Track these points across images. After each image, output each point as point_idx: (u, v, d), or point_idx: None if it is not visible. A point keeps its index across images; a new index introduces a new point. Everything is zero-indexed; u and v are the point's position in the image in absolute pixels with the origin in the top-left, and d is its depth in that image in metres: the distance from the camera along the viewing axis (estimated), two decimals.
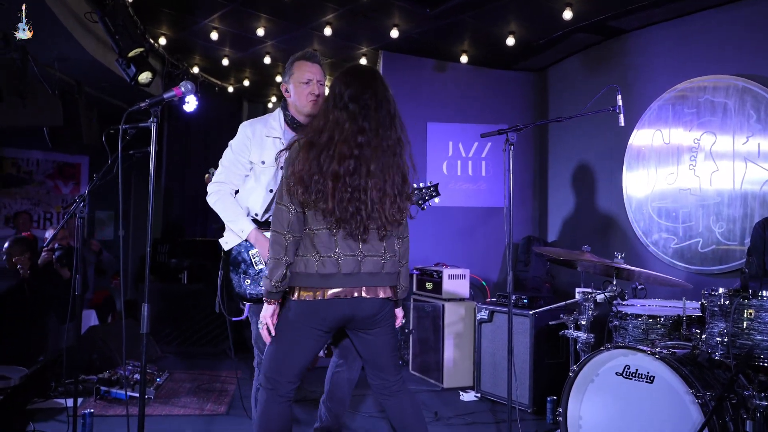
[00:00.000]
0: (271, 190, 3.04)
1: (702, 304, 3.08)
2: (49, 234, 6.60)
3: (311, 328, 2.59)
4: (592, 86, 5.65)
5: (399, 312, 2.84)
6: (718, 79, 4.63)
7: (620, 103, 3.54)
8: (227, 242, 3.08)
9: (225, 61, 6.79)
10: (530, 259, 5.94)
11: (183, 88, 2.82)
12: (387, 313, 2.69)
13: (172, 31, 6.07)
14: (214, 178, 3.14)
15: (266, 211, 3.06)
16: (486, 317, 4.95)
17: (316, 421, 3.23)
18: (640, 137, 5.20)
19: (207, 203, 3.14)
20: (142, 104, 2.81)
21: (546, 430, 4.11)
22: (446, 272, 5.41)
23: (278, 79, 7.17)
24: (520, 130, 3.60)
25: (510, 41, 5.62)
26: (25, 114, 4.72)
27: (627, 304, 3.75)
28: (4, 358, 4.78)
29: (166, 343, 6.56)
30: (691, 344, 3.16)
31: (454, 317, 5.34)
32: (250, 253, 3.05)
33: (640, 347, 3.08)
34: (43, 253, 5.74)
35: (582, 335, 3.70)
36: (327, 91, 2.91)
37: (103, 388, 4.71)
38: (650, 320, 3.50)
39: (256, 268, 3.04)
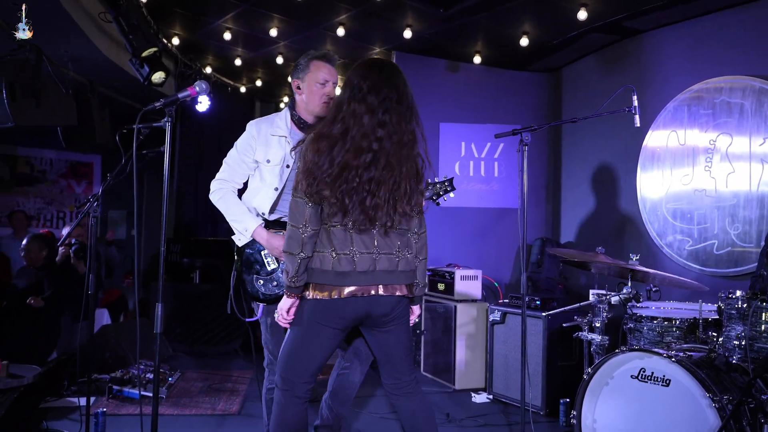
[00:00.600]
0: (276, 189, 3.01)
1: (719, 307, 3.04)
2: (64, 231, 6.65)
3: (327, 327, 2.57)
4: (606, 87, 5.61)
5: (416, 309, 2.81)
6: (734, 80, 4.58)
7: (636, 103, 3.50)
8: (240, 239, 3.08)
9: (237, 62, 6.80)
10: (543, 261, 5.90)
11: (197, 88, 2.82)
12: (402, 311, 2.67)
13: (186, 31, 6.09)
14: (217, 176, 3.12)
15: (272, 210, 3.04)
16: (498, 318, 4.92)
17: (316, 419, 3.21)
18: (656, 138, 5.16)
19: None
20: (157, 104, 2.81)
21: None
22: (458, 273, 5.39)
23: (293, 81, 7.17)
24: (534, 130, 3.57)
25: (524, 42, 5.59)
26: (38, 113, 4.74)
27: (642, 307, 3.71)
28: (20, 356, 4.80)
29: (178, 343, 6.58)
30: (707, 347, 3.12)
31: (466, 318, 5.32)
32: (262, 253, 3.04)
33: (656, 350, 3.05)
34: (60, 249, 5.78)
35: (596, 337, 3.67)
36: (340, 88, 2.88)
37: (115, 387, 4.73)
38: (666, 323, 3.47)
39: (268, 268, 3.03)
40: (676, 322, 3.45)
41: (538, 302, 4.77)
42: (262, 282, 3.03)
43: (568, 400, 4.25)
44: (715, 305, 3.18)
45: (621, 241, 5.50)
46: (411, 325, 2.79)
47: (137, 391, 4.65)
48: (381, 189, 2.48)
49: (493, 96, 6.47)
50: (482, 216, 6.37)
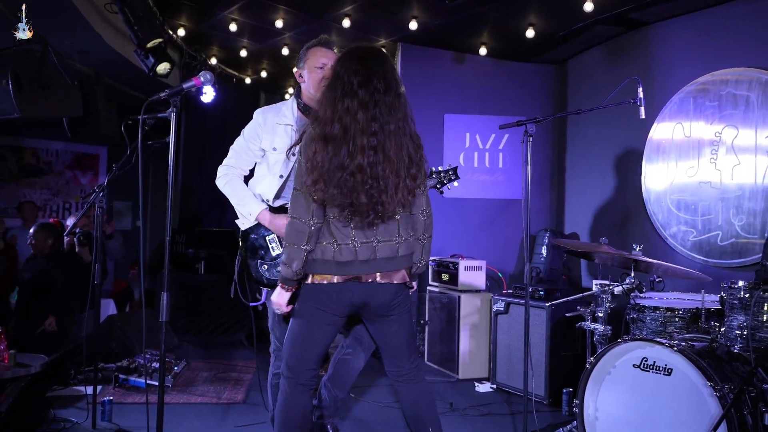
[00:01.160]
0: (281, 176, 3.04)
1: (721, 297, 3.05)
2: (70, 222, 6.69)
3: (325, 313, 2.59)
4: (612, 78, 5.60)
5: (413, 284, 2.85)
6: (740, 72, 4.57)
7: (641, 95, 3.51)
8: (243, 224, 3.10)
9: (243, 53, 6.81)
10: (547, 251, 5.91)
11: (202, 78, 2.84)
12: (402, 300, 2.68)
13: (191, 22, 6.10)
14: (224, 162, 3.16)
15: (277, 197, 3.07)
16: (502, 309, 4.94)
17: (314, 399, 3.24)
18: (661, 130, 5.15)
19: (224, 194, 3.16)
20: (162, 94, 2.84)
21: (561, 421, 4.10)
22: (462, 263, 5.41)
23: (296, 70, 7.17)
24: (539, 121, 3.58)
25: (530, 33, 5.59)
26: (44, 105, 4.77)
27: (645, 297, 3.72)
28: (29, 345, 4.85)
29: (183, 332, 6.62)
30: (709, 337, 3.13)
31: (469, 308, 5.34)
32: (266, 239, 3.08)
33: (658, 339, 3.06)
34: (66, 239, 5.83)
35: (599, 327, 3.69)
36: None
37: (121, 376, 4.77)
38: (668, 313, 3.48)
39: (272, 253, 3.06)
40: (678, 312, 3.46)
41: (541, 292, 4.79)
42: (266, 267, 3.06)
43: (570, 389, 4.27)
44: (718, 296, 3.19)
45: (625, 232, 5.51)
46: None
47: (143, 380, 4.69)
48: (383, 181, 2.49)
49: (498, 87, 6.46)
50: (487, 207, 6.37)
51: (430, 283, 5.75)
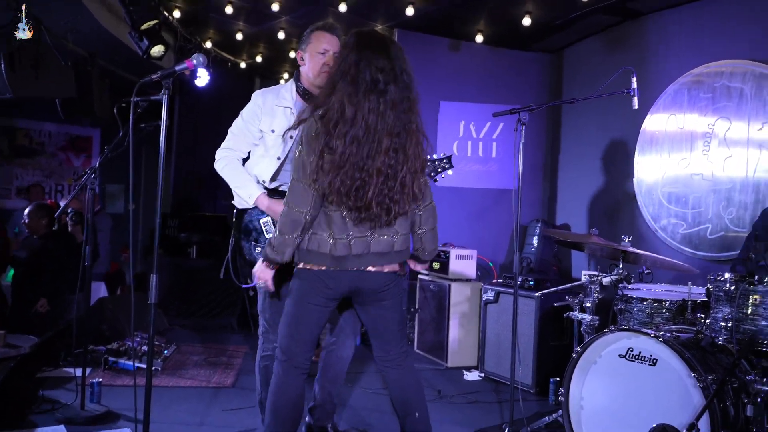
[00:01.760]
0: (279, 158, 3.04)
1: (707, 289, 3.07)
2: (62, 203, 6.67)
3: (318, 296, 2.61)
4: (607, 68, 5.57)
5: (420, 266, 2.93)
6: (735, 64, 4.57)
7: (635, 86, 3.50)
8: (241, 204, 3.11)
9: (238, 36, 6.76)
10: (538, 242, 5.93)
11: (195, 61, 2.82)
12: (393, 287, 2.69)
13: (187, 4, 6.05)
14: (222, 145, 3.16)
15: (273, 179, 3.07)
16: (492, 298, 4.96)
17: (310, 401, 3.26)
18: (654, 121, 5.16)
19: (217, 179, 3.16)
20: (154, 76, 2.82)
21: (548, 410, 4.13)
22: (453, 252, 5.42)
23: (292, 55, 7.13)
24: (533, 110, 3.58)
25: (526, 21, 5.57)
26: (37, 85, 4.74)
27: (632, 288, 3.74)
28: (24, 325, 4.85)
29: (174, 316, 6.63)
30: (695, 329, 3.15)
31: (460, 297, 5.36)
32: (261, 221, 3.08)
33: (644, 330, 3.08)
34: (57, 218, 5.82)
35: (587, 317, 3.71)
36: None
37: (111, 358, 4.78)
38: (655, 304, 3.50)
39: (267, 236, 3.07)
40: (665, 304, 3.48)
41: (531, 282, 4.80)
42: (260, 250, 3.07)
43: (558, 379, 4.30)
44: (705, 288, 3.20)
45: (616, 224, 5.52)
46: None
47: (132, 363, 4.70)
48: (399, 183, 2.50)
49: (494, 75, 6.45)
50: (479, 196, 6.38)
51: (421, 271, 5.76)
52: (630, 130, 5.37)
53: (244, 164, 3.18)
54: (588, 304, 3.74)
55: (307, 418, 3.25)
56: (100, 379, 4.09)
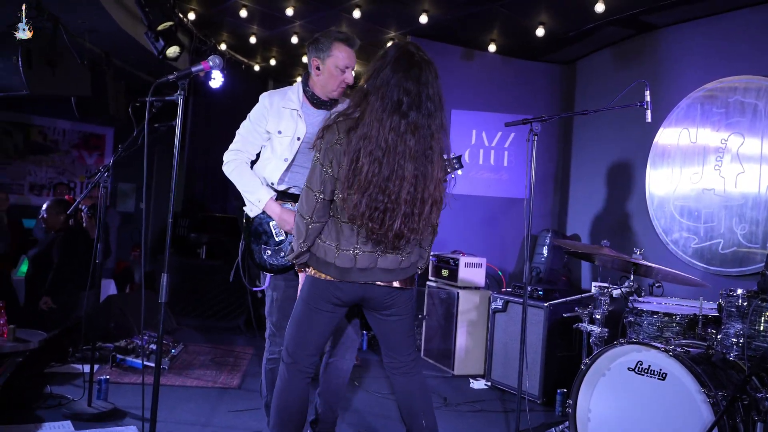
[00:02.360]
0: (286, 160, 3.04)
1: (719, 304, 3.06)
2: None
3: (326, 302, 2.63)
4: (620, 81, 5.59)
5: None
6: (749, 80, 4.56)
7: (648, 99, 3.50)
8: (251, 210, 3.11)
9: (252, 39, 6.80)
10: (548, 252, 5.92)
11: (211, 62, 2.83)
12: (402, 297, 2.68)
13: (202, 7, 6.10)
14: (230, 147, 3.16)
15: (281, 181, 3.08)
16: (500, 307, 4.95)
17: (310, 414, 3.25)
18: (667, 135, 5.15)
19: (228, 180, 3.17)
20: (170, 77, 2.83)
21: (554, 421, 4.12)
22: (463, 260, 5.42)
23: (305, 59, 7.16)
24: (545, 120, 3.58)
25: (540, 32, 5.58)
26: (53, 82, 4.77)
27: (643, 301, 3.73)
28: (37, 320, 4.88)
29: (182, 316, 6.65)
30: (705, 344, 3.14)
31: (468, 305, 5.35)
32: (270, 224, 3.09)
33: (654, 344, 3.06)
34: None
35: (596, 329, 3.70)
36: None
37: (119, 356, 4.80)
38: (666, 318, 3.49)
39: (276, 239, 3.07)
40: (676, 318, 3.47)
41: (540, 292, 4.80)
42: (270, 252, 3.07)
43: (565, 390, 4.29)
44: (716, 303, 3.19)
45: (627, 236, 5.51)
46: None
47: (140, 361, 4.72)
48: (418, 210, 2.51)
49: (506, 85, 6.45)
50: (490, 205, 6.38)
51: (430, 278, 5.76)
52: (642, 143, 5.36)
53: (252, 167, 3.19)
54: (597, 316, 3.73)
55: None
56: (108, 377, 4.10)
